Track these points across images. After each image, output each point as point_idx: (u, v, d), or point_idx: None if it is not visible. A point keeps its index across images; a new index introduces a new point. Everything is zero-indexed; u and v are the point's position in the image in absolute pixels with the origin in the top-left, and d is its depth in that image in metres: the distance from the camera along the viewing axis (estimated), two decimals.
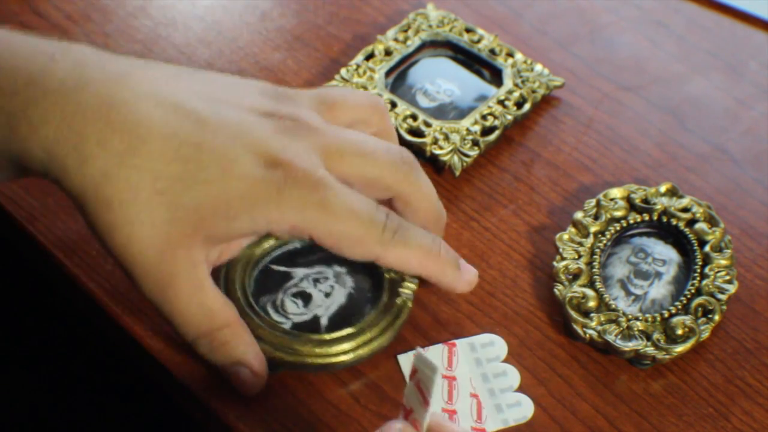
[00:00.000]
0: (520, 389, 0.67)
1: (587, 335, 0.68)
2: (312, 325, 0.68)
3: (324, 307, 0.69)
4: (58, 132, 0.60)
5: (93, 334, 0.78)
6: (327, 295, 0.69)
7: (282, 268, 0.70)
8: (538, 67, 0.81)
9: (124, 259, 0.63)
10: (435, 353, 0.68)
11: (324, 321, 0.68)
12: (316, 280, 0.70)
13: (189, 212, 0.62)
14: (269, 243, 0.70)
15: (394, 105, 0.78)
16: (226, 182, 0.62)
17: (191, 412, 0.69)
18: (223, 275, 0.68)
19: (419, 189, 0.67)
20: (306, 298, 0.69)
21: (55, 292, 0.77)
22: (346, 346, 0.66)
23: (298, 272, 0.70)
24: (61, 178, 0.62)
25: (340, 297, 0.69)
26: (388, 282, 0.69)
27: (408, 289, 0.68)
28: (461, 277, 0.67)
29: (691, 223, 0.72)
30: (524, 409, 0.66)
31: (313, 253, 0.71)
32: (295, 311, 0.68)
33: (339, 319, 0.68)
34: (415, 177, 0.67)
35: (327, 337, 0.66)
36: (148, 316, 0.69)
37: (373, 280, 0.70)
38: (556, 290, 0.70)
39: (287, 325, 0.68)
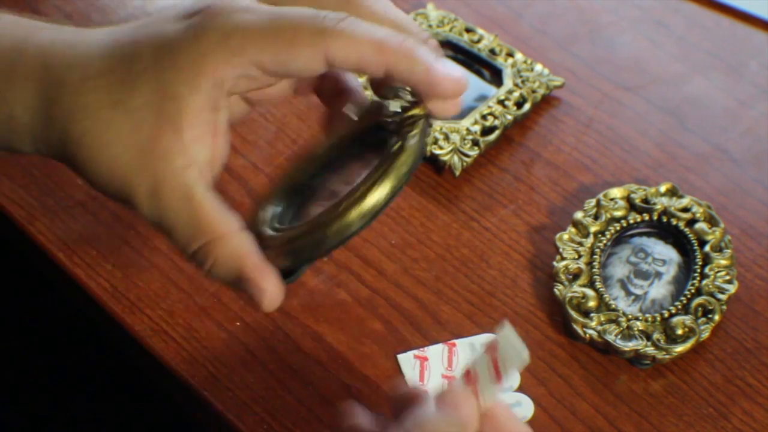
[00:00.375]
0: (520, 389, 0.67)
1: (587, 335, 0.68)
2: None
3: None
4: (33, 91, 0.59)
5: (93, 334, 0.78)
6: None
7: None
8: (538, 67, 0.81)
9: (114, 191, 0.59)
10: (435, 353, 0.68)
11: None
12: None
13: (145, 112, 0.58)
14: None
15: None
16: (157, 60, 0.57)
17: (191, 412, 0.69)
18: None
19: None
20: None
21: (55, 292, 0.77)
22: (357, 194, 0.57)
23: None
24: (45, 139, 0.60)
25: None
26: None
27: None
28: (440, 66, 0.56)
29: (691, 223, 0.72)
30: (524, 409, 0.66)
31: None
32: None
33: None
34: (349, 22, 0.56)
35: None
36: (148, 316, 0.69)
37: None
38: (556, 290, 0.70)
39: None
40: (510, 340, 0.52)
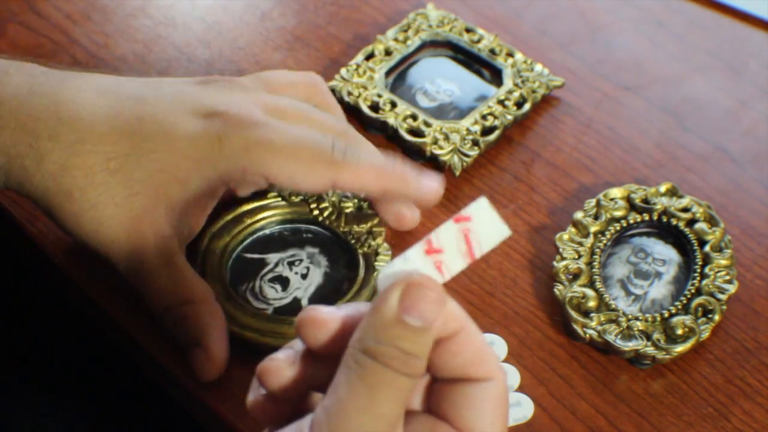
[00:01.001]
0: (520, 389, 0.67)
1: (587, 335, 0.68)
2: (293, 308, 0.69)
3: (303, 289, 0.69)
4: (14, 136, 0.63)
5: (93, 334, 0.78)
6: (303, 276, 0.70)
7: (255, 255, 0.71)
8: (538, 67, 0.81)
9: (96, 244, 0.64)
10: None
11: (304, 302, 0.69)
12: (291, 263, 0.70)
13: (144, 185, 0.63)
14: (240, 231, 0.71)
15: (394, 105, 0.78)
16: (170, 146, 0.63)
17: (191, 412, 0.69)
18: (198, 268, 0.68)
19: (357, 165, 0.66)
20: (283, 281, 0.70)
21: (54, 292, 0.77)
22: None
23: (272, 257, 0.71)
24: (22, 181, 0.64)
25: (316, 277, 0.70)
26: (363, 257, 0.70)
27: (383, 262, 0.69)
28: (425, 182, 0.67)
29: (691, 223, 0.72)
30: (524, 409, 0.66)
31: (284, 237, 0.71)
32: (275, 296, 0.69)
33: (319, 299, 0.69)
34: (351, 153, 0.66)
35: None
36: (148, 316, 0.69)
37: (348, 257, 0.70)
38: (556, 290, 0.70)
39: (269, 311, 0.68)
40: (486, 212, 0.49)
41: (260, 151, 0.63)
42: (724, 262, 0.70)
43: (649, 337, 0.67)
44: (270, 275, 0.70)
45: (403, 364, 0.47)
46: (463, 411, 0.50)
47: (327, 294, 0.69)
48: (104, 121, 0.64)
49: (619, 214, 0.72)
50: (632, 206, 0.73)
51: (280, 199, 0.72)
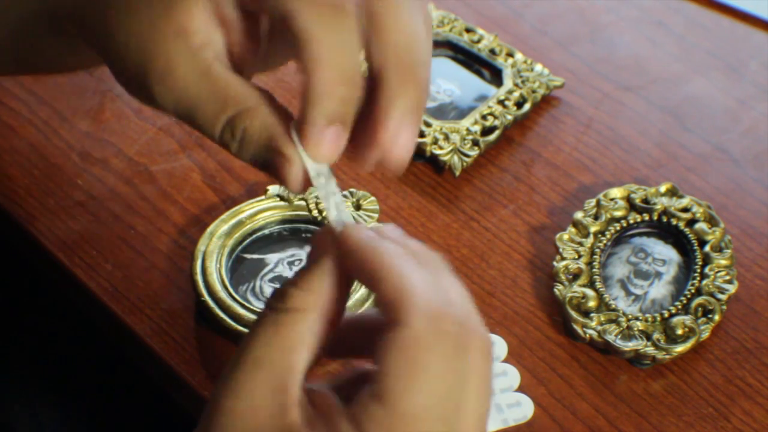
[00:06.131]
0: (520, 389, 0.67)
1: (587, 335, 0.68)
2: None
3: None
4: None
5: (93, 334, 0.78)
6: None
7: (255, 256, 0.71)
8: (538, 67, 0.81)
9: (134, 66, 0.54)
10: None
11: None
12: (290, 263, 0.70)
13: None
14: (239, 231, 0.71)
15: None
16: None
17: (191, 412, 0.69)
18: (198, 268, 0.68)
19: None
20: (284, 281, 0.69)
21: (55, 292, 0.77)
22: None
23: (272, 257, 0.71)
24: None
25: None
26: None
27: None
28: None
29: (691, 223, 0.72)
30: (524, 409, 0.66)
31: (283, 237, 0.71)
32: None
33: None
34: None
35: None
36: (148, 316, 0.69)
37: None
38: (556, 290, 0.70)
39: None
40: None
41: None
42: (724, 262, 0.70)
43: (649, 337, 0.67)
44: (270, 275, 0.70)
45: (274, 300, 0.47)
46: (377, 366, 0.45)
47: None
48: None
49: (619, 214, 0.72)
50: (632, 206, 0.73)
51: (280, 199, 0.72)
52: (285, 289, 0.48)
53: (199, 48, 0.54)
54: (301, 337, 0.47)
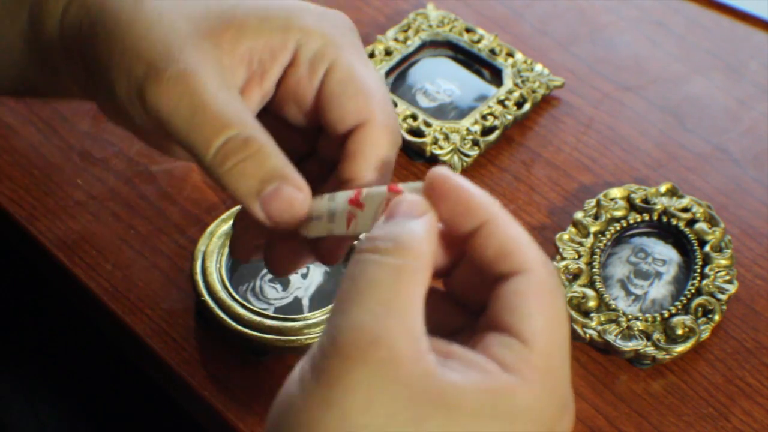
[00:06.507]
0: None
1: (587, 335, 0.68)
2: (294, 307, 0.69)
3: (303, 288, 0.70)
4: None
5: (93, 334, 0.78)
6: (304, 276, 0.70)
7: None
8: (538, 67, 0.81)
9: (150, 57, 0.53)
10: None
11: (305, 302, 0.69)
12: None
13: (221, 9, 0.54)
14: None
15: (394, 105, 0.78)
16: None
17: (191, 412, 0.69)
18: (198, 268, 0.68)
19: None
20: (284, 281, 0.70)
21: (55, 292, 0.77)
22: None
23: None
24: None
25: (317, 276, 0.70)
26: None
27: None
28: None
29: (691, 223, 0.72)
30: None
31: None
32: (276, 296, 0.69)
33: (320, 298, 0.69)
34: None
35: (311, 316, 0.67)
36: (148, 316, 0.69)
37: (347, 256, 0.69)
38: None
39: (270, 311, 0.68)
40: (417, 194, 0.48)
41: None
42: (724, 262, 0.70)
43: (649, 337, 0.67)
44: (270, 275, 0.70)
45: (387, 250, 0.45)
46: (506, 315, 0.45)
47: (328, 293, 0.69)
48: None
49: (619, 214, 0.72)
50: (632, 206, 0.73)
51: None
52: (403, 237, 0.46)
53: (221, 68, 0.53)
54: (424, 285, 0.46)
